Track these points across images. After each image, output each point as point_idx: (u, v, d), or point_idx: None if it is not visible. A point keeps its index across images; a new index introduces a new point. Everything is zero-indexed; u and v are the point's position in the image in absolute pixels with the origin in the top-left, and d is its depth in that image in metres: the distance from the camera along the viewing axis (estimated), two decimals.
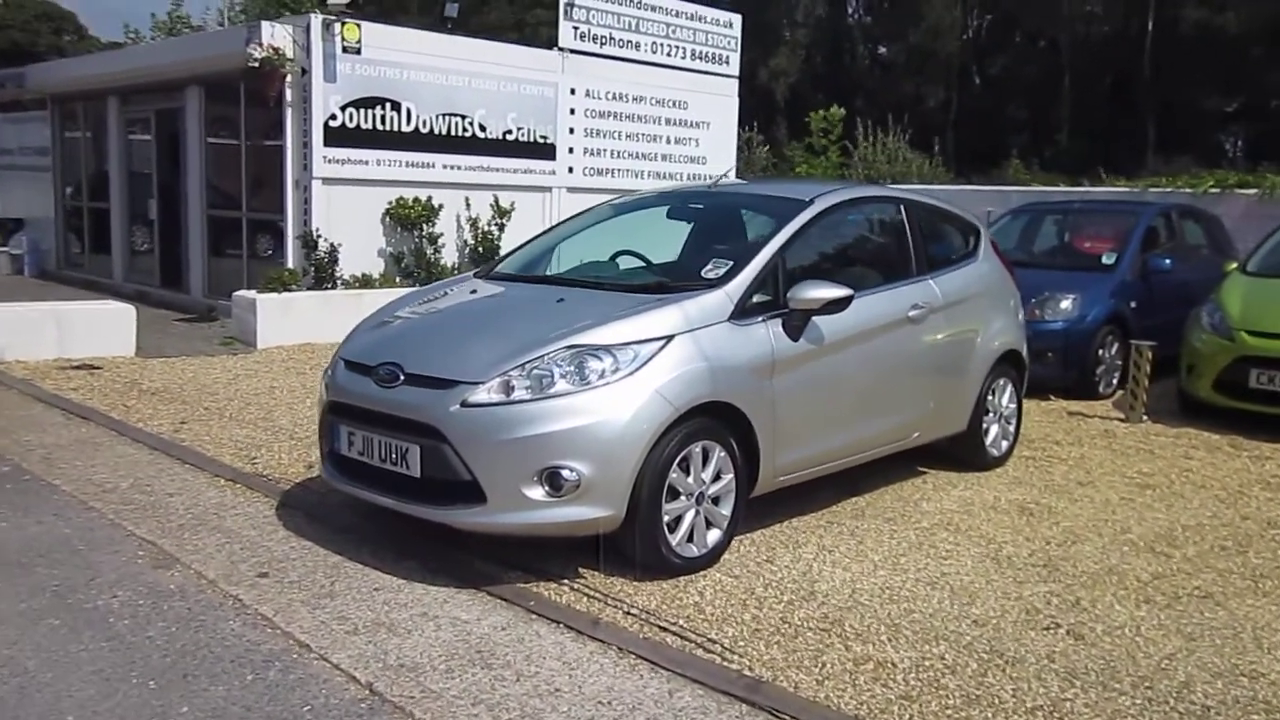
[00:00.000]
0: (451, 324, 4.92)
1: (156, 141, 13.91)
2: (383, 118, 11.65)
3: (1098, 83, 37.47)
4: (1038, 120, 37.29)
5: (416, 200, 11.87)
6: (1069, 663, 3.79)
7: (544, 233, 6.05)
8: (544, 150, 13.32)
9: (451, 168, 12.33)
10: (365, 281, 11.33)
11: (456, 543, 4.66)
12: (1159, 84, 35.16)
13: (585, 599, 4.24)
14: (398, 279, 11.71)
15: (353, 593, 4.25)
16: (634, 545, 4.33)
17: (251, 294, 10.51)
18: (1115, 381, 9.04)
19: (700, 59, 15.23)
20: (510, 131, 12.88)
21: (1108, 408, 8.60)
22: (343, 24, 11.08)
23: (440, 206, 12.01)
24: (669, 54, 14.77)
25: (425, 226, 11.92)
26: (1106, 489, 6.17)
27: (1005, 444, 6.63)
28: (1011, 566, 4.80)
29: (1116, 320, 8.99)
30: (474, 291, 5.33)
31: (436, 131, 12.14)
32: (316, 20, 11.04)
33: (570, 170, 13.66)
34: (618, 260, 5.66)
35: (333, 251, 11.05)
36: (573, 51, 13.50)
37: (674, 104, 14.88)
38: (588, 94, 13.75)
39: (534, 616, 4.05)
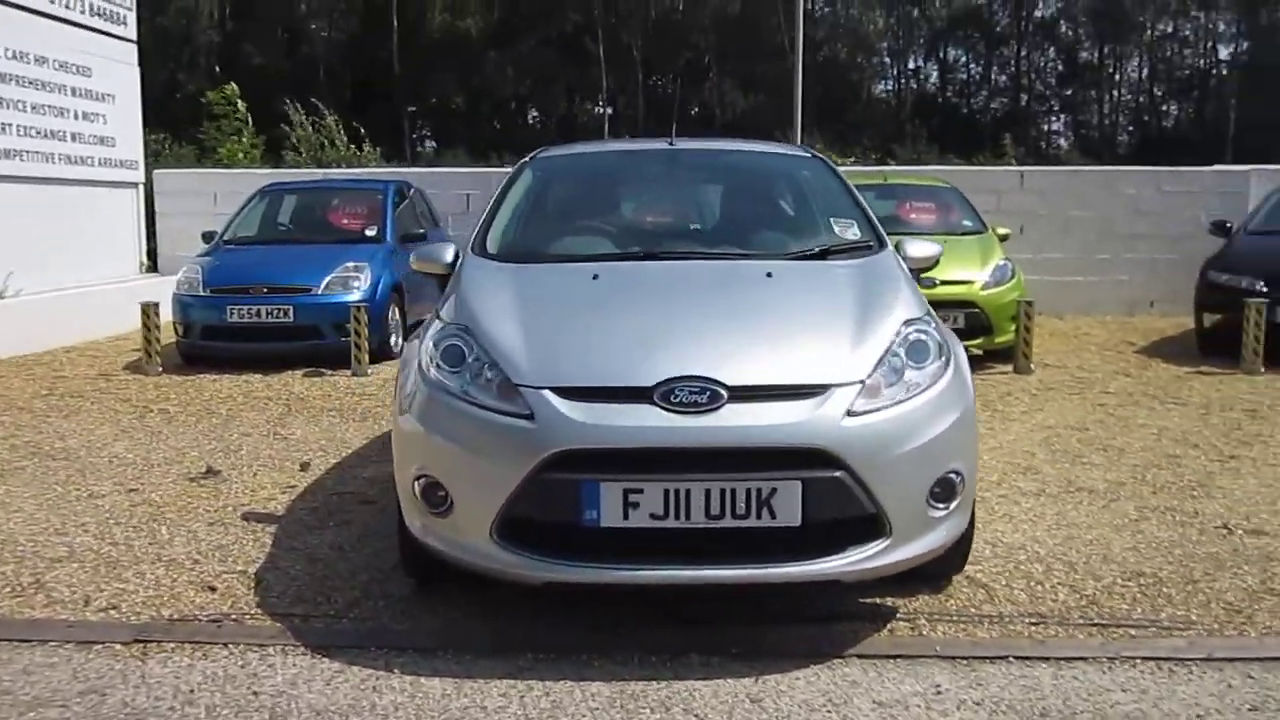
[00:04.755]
0: (698, 315, 3.50)
1: None
2: None
3: (348, 77, 38.54)
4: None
5: None
6: None
7: (496, 204, 4.51)
8: None
9: None
10: None
11: (632, 606, 3.49)
12: (410, 80, 37.43)
13: (945, 625, 3.48)
14: None
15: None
16: (954, 550, 3.66)
17: None
18: (399, 343, 9.02)
19: (98, 16, 12.28)
20: None
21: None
22: None
23: None
24: (66, 5, 11.64)
25: None
26: None
27: None
28: (1102, 495, 5.03)
29: (398, 287, 9.30)
30: (596, 278, 3.78)
31: None
32: None
33: None
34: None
35: None
36: None
37: (78, 70, 11.81)
38: None
39: (962, 663, 3.22)
